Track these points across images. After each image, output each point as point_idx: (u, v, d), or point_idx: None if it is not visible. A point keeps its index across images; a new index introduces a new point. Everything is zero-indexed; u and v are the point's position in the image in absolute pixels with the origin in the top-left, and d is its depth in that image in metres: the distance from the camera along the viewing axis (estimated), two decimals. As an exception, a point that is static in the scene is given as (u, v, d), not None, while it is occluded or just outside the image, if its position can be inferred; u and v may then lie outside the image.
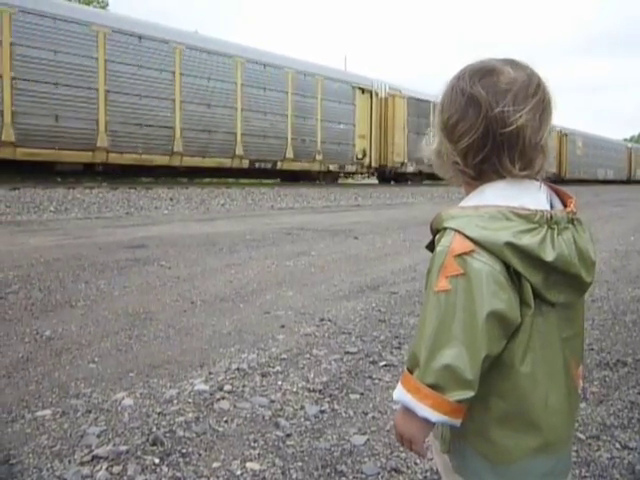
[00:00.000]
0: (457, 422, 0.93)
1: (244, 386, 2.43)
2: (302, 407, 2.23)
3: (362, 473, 1.77)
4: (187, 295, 4.08)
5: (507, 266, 0.91)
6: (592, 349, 2.98)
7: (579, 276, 0.98)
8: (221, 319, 3.51)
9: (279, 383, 2.47)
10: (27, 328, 3.17)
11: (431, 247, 1.01)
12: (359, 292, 4.31)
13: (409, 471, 1.79)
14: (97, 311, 3.58)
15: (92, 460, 1.79)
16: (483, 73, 1.00)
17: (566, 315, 1.01)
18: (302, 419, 2.13)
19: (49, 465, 1.76)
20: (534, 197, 1.00)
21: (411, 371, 0.94)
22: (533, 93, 0.97)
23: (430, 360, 0.90)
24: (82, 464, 1.76)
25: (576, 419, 1.07)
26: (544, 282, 0.94)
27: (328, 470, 1.79)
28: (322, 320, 3.50)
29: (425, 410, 0.91)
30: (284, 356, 2.82)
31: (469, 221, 0.93)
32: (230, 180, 19.21)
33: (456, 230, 0.93)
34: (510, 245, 0.91)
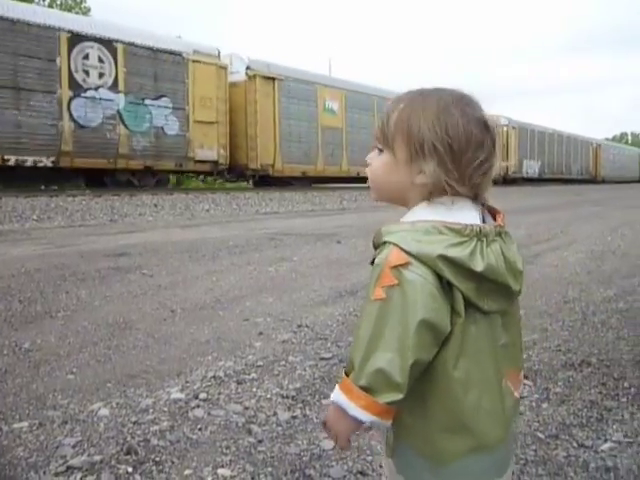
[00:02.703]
0: (387, 423, 1.00)
1: (219, 394, 2.49)
2: (275, 413, 2.30)
3: (329, 477, 1.84)
4: (167, 303, 4.13)
5: (440, 277, 0.98)
6: (559, 350, 3.07)
7: (507, 285, 1.05)
8: (200, 327, 3.57)
9: (254, 390, 2.54)
10: (6, 340, 3.21)
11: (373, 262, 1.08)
12: (338, 297, 4.38)
13: (374, 474, 1.86)
14: (77, 321, 3.62)
15: (66, 470, 1.84)
16: (466, 101, 1.08)
17: (501, 322, 1.08)
18: (274, 425, 2.20)
19: (24, 476, 1.81)
20: (465, 212, 1.07)
21: (347, 374, 1.01)
22: None
23: (363, 364, 0.97)
24: (57, 474, 1.82)
25: (515, 420, 1.14)
26: (476, 291, 1.00)
27: (297, 474, 1.85)
28: (300, 326, 3.57)
29: (356, 410, 0.98)
30: (260, 363, 2.88)
31: (405, 235, 0.99)
32: (216, 185, 19.27)
33: (394, 244, 0.99)
34: (442, 257, 0.97)
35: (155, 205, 12.00)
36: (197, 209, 12.38)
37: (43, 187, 13.65)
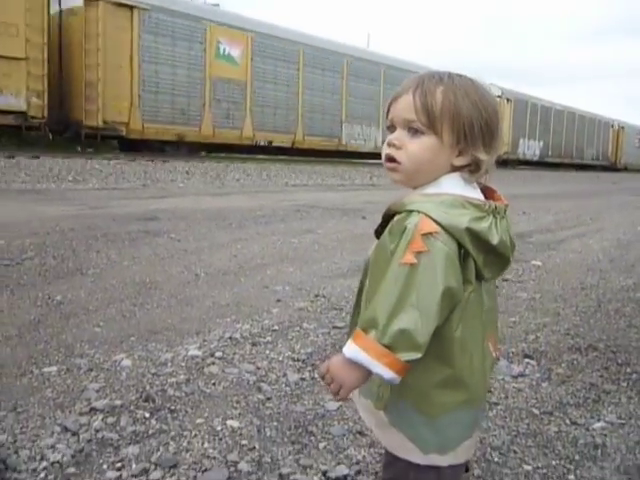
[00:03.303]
0: (399, 380, 1.06)
1: (234, 353, 2.63)
2: (285, 374, 2.43)
3: (330, 434, 1.96)
4: (192, 267, 4.29)
5: (459, 247, 1.06)
6: (568, 334, 3.13)
7: (508, 257, 1.15)
8: (221, 291, 3.71)
9: (267, 352, 2.67)
10: (40, 293, 3.41)
11: (379, 231, 1.17)
12: (356, 271, 4.48)
13: (372, 434, 1.97)
14: (106, 279, 3.80)
15: (90, 411, 2.00)
16: (481, 83, 1.16)
17: (487, 288, 1.18)
18: (283, 385, 2.33)
19: (52, 414, 1.98)
20: (476, 190, 1.16)
21: (365, 331, 1.05)
22: None
23: (389, 323, 1.02)
24: (81, 414, 1.98)
25: (490, 379, 1.26)
26: (483, 261, 1.10)
27: (300, 430, 1.98)
28: (317, 296, 3.69)
29: (380, 367, 1.03)
30: (275, 328, 3.02)
31: (433, 206, 1.06)
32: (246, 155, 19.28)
33: (423, 213, 1.05)
34: (468, 230, 1.05)
35: (187, 172, 12.21)
36: (228, 178, 12.55)
37: (79, 149, 13.96)
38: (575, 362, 2.72)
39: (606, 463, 1.84)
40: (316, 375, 2.44)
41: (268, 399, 2.20)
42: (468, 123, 1.09)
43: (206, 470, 1.70)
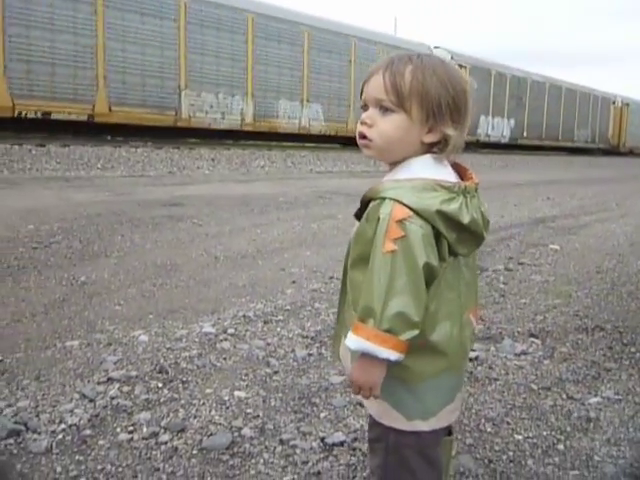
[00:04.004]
0: (403, 357, 1.12)
1: (246, 331, 2.74)
2: (293, 350, 2.53)
3: (331, 405, 2.06)
4: (212, 251, 4.42)
5: (432, 228, 1.13)
6: (577, 315, 3.17)
7: (481, 234, 1.22)
8: (239, 273, 3.83)
9: (278, 330, 2.78)
10: (65, 273, 3.58)
11: (359, 214, 1.25)
12: (373, 254, 4.56)
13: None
14: (128, 262, 3.96)
15: (107, 381, 2.14)
16: (449, 62, 1.23)
17: (467, 263, 1.25)
18: (291, 360, 2.44)
19: (72, 383, 2.12)
20: (448, 171, 1.23)
21: (363, 322, 1.11)
22: None
23: (385, 309, 1.09)
24: (98, 383, 2.12)
25: (470, 348, 1.33)
26: (456, 239, 1.17)
27: (303, 401, 2.09)
28: (331, 278, 3.78)
29: (386, 352, 1.10)
30: (288, 307, 3.12)
31: (405, 192, 1.12)
32: (272, 142, 19.27)
33: (394, 200, 1.12)
34: (439, 212, 1.12)
35: (213, 159, 12.37)
36: (253, 165, 12.68)
37: (109, 137, 14.23)
38: (580, 341, 2.76)
39: (597, 435, 1.90)
40: (323, 351, 2.53)
41: (275, 373, 2.31)
42: (436, 101, 1.15)
43: (211, 435, 1.82)
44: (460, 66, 20.55)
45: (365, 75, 1.22)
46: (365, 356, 1.12)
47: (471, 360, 2.46)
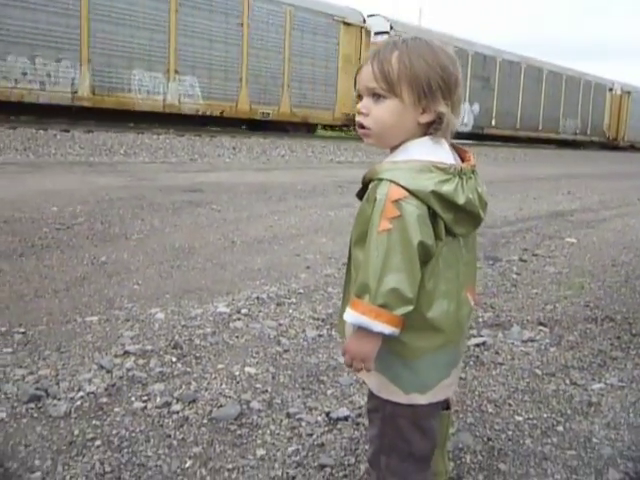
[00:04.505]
0: (399, 332, 1.17)
1: (259, 312, 2.82)
2: (304, 331, 2.60)
3: (338, 382, 2.13)
4: (230, 236, 4.50)
5: (428, 208, 1.18)
6: (588, 306, 3.18)
7: (478, 214, 1.26)
8: (255, 258, 3.91)
9: (290, 311, 2.85)
10: (87, 253, 3.69)
11: (360, 194, 1.30)
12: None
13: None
14: (148, 244, 4.06)
15: (124, 354, 2.23)
16: (438, 43, 1.27)
17: (465, 243, 1.29)
18: (301, 340, 2.51)
19: (90, 355, 2.22)
20: (446, 152, 1.27)
21: (360, 298, 1.16)
22: None
23: (379, 286, 1.14)
24: (115, 356, 2.21)
25: (469, 324, 1.37)
26: (453, 219, 1.21)
27: (311, 379, 2.15)
28: (345, 264, 3.83)
29: (380, 325, 1.15)
30: (301, 291, 3.19)
31: (401, 173, 1.17)
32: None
33: (391, 181, 1.17)
34: (433, 193, 1.17)
35: (233, 148, 12.47)
36: (273, 154, 12.75)
37: (132, 125, 14.41)
38: (588, 331, 2.79)
39: (597, 419, 1.94)
40: (333, 333, 2.60)
41: (286, 351, 2.38)
42: (425, 82, 1.19)
43: (221, 406, 1.90)
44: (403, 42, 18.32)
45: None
46: (361, 329, 1.18)
47: (478, 345, 2.51)
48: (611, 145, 29.75)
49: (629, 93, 30.25)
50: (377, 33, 17.99)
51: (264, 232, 4.74)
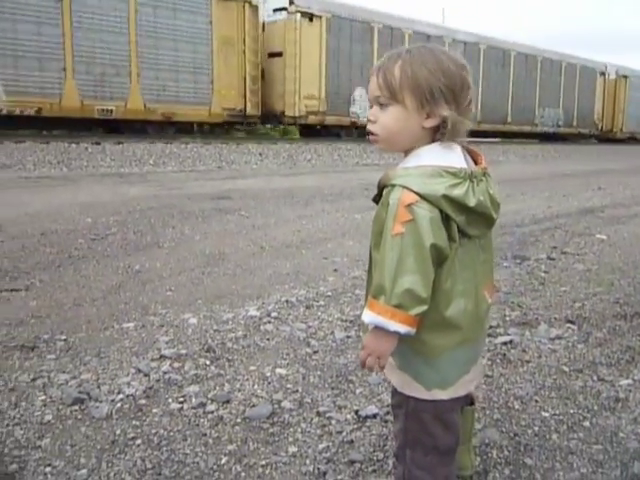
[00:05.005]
0: (414, 331, 1.24)
1: (289, 314, 2.89)
2: (332, 332, 2.66)
3: (367, 382, 2.18)
4: (258, 241, 4.59)
5: (440, 211, 1.24)
6: (617, 303, 3.17)
7: (491, 215, 1.31)
8: (283, 262, 3.99)
9: (319, 314, 2.91)
10: (121, 263, 3.81)
11: (376, 199, 1.36)
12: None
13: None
14: (179, 251, 4.17)
15: (160, 358, 2.32)
16: (443, 49, 1.33)
17: (480, 244, 1.35)
18: (330, 341, 2.57)
19: (128, 359, 2.31)
20: (457, 156, 1.32)
21: (376, 299, 1.23)
22: None
23: (394, 287, 1.20)
24: (152, 360, 2.30)
25: (488, 322, 1.41)
26: (466, 221, 1.27)
27: (340, 379, 2.21)
28: (372, 267, 3.88)
29: (396, 325, 1.21)
30: (329, 294, 3.26)
31: (413, 179, 1.23)
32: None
33: (403, 186, 1.23)
34: (444, 197, 1.23)
35: (260, 154, 12.62)
36: (299, 159, 12.87)
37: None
38: (617, 327, 2.78)
39: (624, 414, 1.95)
40: (361, 334, 2.65)
41: (315, 352, 2.44)
42: (427, 88, 1.25)
43: (254, 406, 1.97)
44: (312, 17, 16.49)
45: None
46: (378, 329, 1.24)
47: (505, 344, 2.54)
48: (605, 137, 26.76)
49: (626, 77, 26.72)
50: (276, 10, 16.46)
51: (292, 237, 4.82)
